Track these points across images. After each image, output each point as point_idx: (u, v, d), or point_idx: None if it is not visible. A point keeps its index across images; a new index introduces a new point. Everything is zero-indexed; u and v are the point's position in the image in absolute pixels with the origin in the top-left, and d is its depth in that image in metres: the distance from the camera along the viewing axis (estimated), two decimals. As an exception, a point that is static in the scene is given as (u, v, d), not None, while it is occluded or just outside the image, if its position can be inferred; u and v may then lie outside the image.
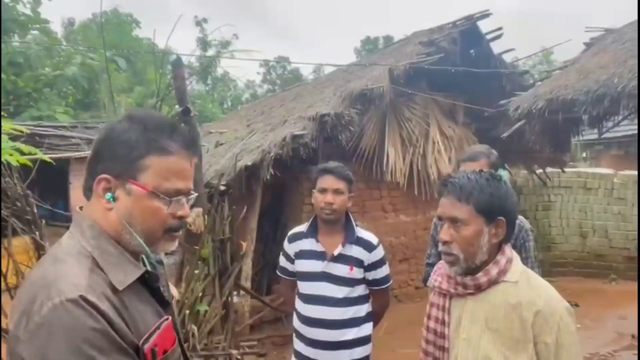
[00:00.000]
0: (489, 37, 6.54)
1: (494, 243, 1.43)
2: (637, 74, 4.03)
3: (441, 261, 1.59)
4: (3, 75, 10.89)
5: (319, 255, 2.23)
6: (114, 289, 0.91)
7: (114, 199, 0.97)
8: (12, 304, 0.94)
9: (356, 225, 2.29)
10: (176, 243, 1.07)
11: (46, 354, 0.82)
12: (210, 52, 24.17)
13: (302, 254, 2.29)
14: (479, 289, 1.45)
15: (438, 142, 6.37)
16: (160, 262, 1.13)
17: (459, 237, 1.41)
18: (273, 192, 5.74)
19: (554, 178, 7.86)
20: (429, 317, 1.62)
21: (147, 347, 0.93)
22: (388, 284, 2.33)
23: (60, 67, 12.79)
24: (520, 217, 2.40)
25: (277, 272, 2.48)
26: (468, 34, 6.30)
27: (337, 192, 2.18)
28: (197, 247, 3.19)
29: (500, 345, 1.39)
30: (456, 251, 1.42)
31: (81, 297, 0.85)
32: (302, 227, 2.35)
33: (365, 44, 29.37)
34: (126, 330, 0.90)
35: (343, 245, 2.21)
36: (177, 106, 3.21)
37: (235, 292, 4.73)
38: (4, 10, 11.02)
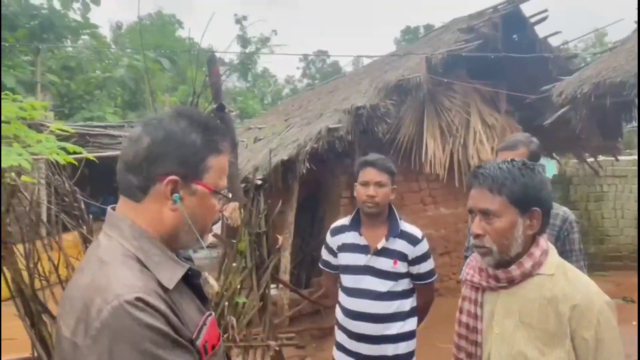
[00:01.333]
0: (533, 20, 6.24)
1: (528, 235, 1.37)
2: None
3: (474, 254, 1.54)
4: (57, 79, 11.53)
5: (362, 249, 2.21)
6: (164, 288, 0.92)
7: (180, 200, 0.97)
8: (61, 310, 0.93)
9: (400, 219, 2.25)
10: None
11: (112, 356, 0.82)
12: (250, 49, 24.52)
13: (345, 247, 2.26)
14: (512, 282, 1.39)
15: (479, 132, 6.16)
16: (190, 259, 1.12)
17: (491, 230, 1.36)
18: (311, 186, 5.77)
19: (607, 167, 7.43)
20: (461, 311, 1.57)
21: (199, 343, 0.95)
22: (432, 279, 2.27)
23: (109, 70, 13.41)
24: (564, 208, 2.28)
25: (320, 265, 2.47)
26: (510, 18, 6.04)
27: (379, 184, 2.14)
28: (234, 241, 3.26)
29: (535, 339, 1.34)
30: (489, 244, 1.37)
31: (138, 298, 0.85)
32: (345, 220, 2.33)
33: (405, 33, 28.85)
34: (182, 327, 0.91)
35: (387, 239, 2.17)
36: (212, 102, 3.28)
37: (274, 285, 4.81)
38: (56, 17, 11.65)
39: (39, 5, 11.89)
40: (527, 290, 1.37)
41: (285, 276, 4.83)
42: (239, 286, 3.27)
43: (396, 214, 2.25)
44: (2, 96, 2.22)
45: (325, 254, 2.40)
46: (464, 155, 6.06)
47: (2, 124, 2.20)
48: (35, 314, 2.49)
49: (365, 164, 2.20)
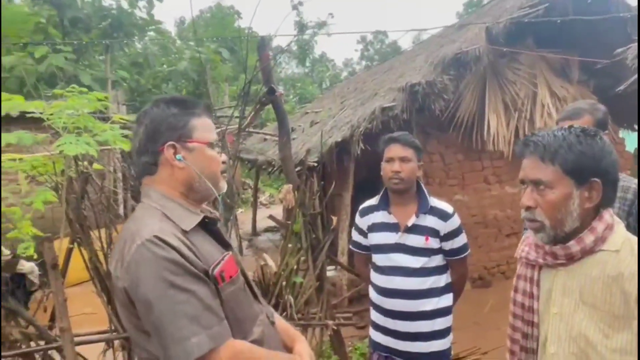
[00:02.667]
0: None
1: (587, 208, 1.26)
2: None
3: (529, 229, 1.45)
4: (127, 75, 12.28)
5: (392, 227, 2.19)
6: (183, 232, 1.16)
7: (183, 158, 1.21)
8: (111, 254, 1.28)
9: (429, 195, 2.21)
10: (226, 182, 1.34)
11: (138, 281, 1.07)
12: (307, 34, 24.56)
13: (374, 227, 2.26)
14: (571, 259, 1.29)
15: (548, 105, 5.74)
16: (215, 218, 1.32)
17: (543, 202, 1.26)
18: (368, 167, 5.72)
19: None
20: (516, 290, 1.50)
21: (216, 271, 1.17)
22: (466, 253, 2.23)
23: (174, 63, 14.05)
24: (636, 181, 2.08)
25: (350, 246, 2.49)
26: (582, -22, 5.52)
27: (404, 160, 2.12)
28: (289, 222, 3.32)
29: (598, 321, 1.24)
30: (541, 217, 1.27)
31: (155, 236, 1.09)
32: (373, 200, 2.32)
33: (469, 6, 27.41)
34: (196, 260, 1.13)
35: (417, 216, 2.15)
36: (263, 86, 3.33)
37: (332, 267, 4.86)
38: (124, 17, 12.36)
39: (109, 6, 12.65)
40: (588, 268, 1.27)
41: (342, 257, 4.86)
42: (295, 266, 3.34)
43: (425, 190, 2.22)
44: (70, 89, 2.40)
45: (355, 235, 2.40)
46: (531, 130, 5.68)
47: (72, 117, 2.38)
48: (110, 291, 2.71)
49: (389, 140, 2.19)
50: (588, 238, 1.26)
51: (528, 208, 1.30)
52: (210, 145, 1.26)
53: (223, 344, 1.10)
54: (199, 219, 1.22)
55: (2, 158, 2.69)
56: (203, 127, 1.25)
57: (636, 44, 4.58)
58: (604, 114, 2.07)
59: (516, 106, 5.69)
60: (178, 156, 1.21)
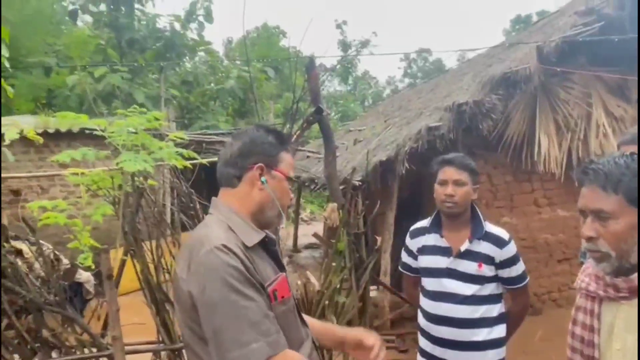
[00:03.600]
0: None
1: None
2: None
3: (589, 259, 1.39)
4: (177, 93, 12.83)
5: (444, 251, 2.12)
6: (245, 246, 1.23)
7: (266, 182, 1.31)
8: (178, 258, 1.31)
9: (484, 220, 2.13)
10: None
11: (205, 285, 1.13)
12: (351, 53, 24.82)
13: (425, 250, 2.20)
14: (634, 292, 1.22)
15: (604, 125, 5.49)
16: (273, 239, 1.39)
17: (606, 233, 1.20)
18: (412, 186, 5.65)
19: None
20: (574, 323, 1.42)
21: (270, 289, 1.22)
22: (526, 282, 2.12)
23: (221, 82, 14.56)
24: None
25: (399, 267, 2.43)
26: (640, -6, 5.29)
27: (458, 183, 2.05)
28: (334, 241, 3.32)
29: (666, 359, 1.16)
30: (605, 248, 1.21)
31: (223, 245, 1.16)
32: (425, 222, 2.26)
33: (516, 23, 26.86)
34: (255, 273, 1.19)
35: (470, 241, 2.07)
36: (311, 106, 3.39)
37: (375, 287, 4.79)
38: (177, 38, 12.98)
39: (163, 28, 13.35)
40: (654, 302, 1.20)
41: (385, 278, 4.79)
42: (338, 285, 3.32)
43: (480, 214, 2.13)
44: (132, 110, 2.54)
45: (404, 257, 2.35)
46: (585, 151, 5.44)
47: (131, 135, 2.51)
48: (159, 302, 2.79)
49: (443, 162, 2.12)
50: (654, 270, 1.19)
51: (590, 239, 1.24)
52: (289, 179, 1.37)
53: (280, 352, 1.14)
54: (260, 237, 1.28)
55: (65, 171, 2.87)
56: (288, 162, 1.37)
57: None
58: None
59: (569, 126, 5.47)
60: (263, 178, 1.30)
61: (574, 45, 5.10)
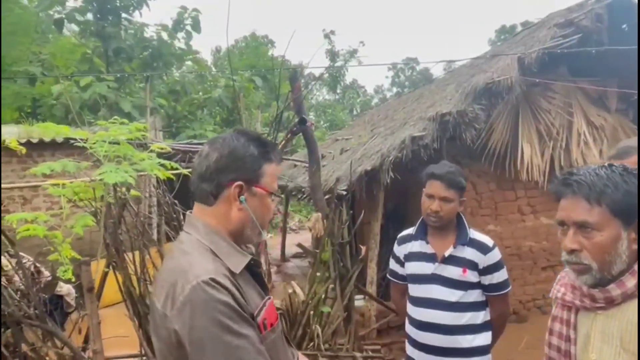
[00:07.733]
0: (647, 5, 5.55)
1: (633, 249, 1.21)
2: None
3: (565, 269, 1.40)
4: (164, 102, 12.76)
5: (429, 257, 2.15)
6: (232, 273, 1.12)
7: (245, 201, 1.18)
8: (155, 288, 1.17)
9: (469, 227, 2.16)
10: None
11: (192, 324, 1.02)
12: (338, 62, 24.97)
13: (411, 256, 2.23)
14: (611, 302, 1.24)
15: (584, 133, 5.60)
16: (254, 255, 1.30)
17: (590, 245, 1.20)
18: (398, 196, 5.68)
19: None
20: (551, 333, 1.44)
21: (259, 319, 1.13)
22: (507, 290, 2.14)
23: (209, 91, 14.53)
24: None
25: (388, 275, 2.45)
26: (617, 7, 5.43)
27: (445, 200, 2.07)
28: (318, 251, 3.32)
29: (640, 369, 1.17)
30: (587, 260, 1.21)
31: (211, 279, 1.05)
32: (411, 230, 2.30)
33: (501, 33, 27.33)
34: (245, 305, 1.10)
35: (454, 247, 2.10)
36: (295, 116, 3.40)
37: (361, 296, 4.79)
38: (164, 47, 12.94)
39: (150, 37, 13.30)
40: (630, 313, 1.21)
41: (371, 287, 4.79)
42: (323, 296, 3.32)
43: (465, 222, 2.16)
44: (112, 120, 2.53)
45: (392, 264, 2.37)
46: (567, 159, 5.55)
47: (113, 146, 2.50)
48: (142, 315, 2.76)
49: (433, 176, 2.12)
50: (630, 281, 1.21)
51: (572, 251, 1.24)
52: (271, 194, 1.24)
53: None
54: (247, 260, 1.18)
55: (46, 183, 2.83)
56: (271, 175, 1.23)
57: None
58: None
59: (551, 135, 5.57)
60: (242, 197, 1.18)
61: (554, 56, 5.21)
